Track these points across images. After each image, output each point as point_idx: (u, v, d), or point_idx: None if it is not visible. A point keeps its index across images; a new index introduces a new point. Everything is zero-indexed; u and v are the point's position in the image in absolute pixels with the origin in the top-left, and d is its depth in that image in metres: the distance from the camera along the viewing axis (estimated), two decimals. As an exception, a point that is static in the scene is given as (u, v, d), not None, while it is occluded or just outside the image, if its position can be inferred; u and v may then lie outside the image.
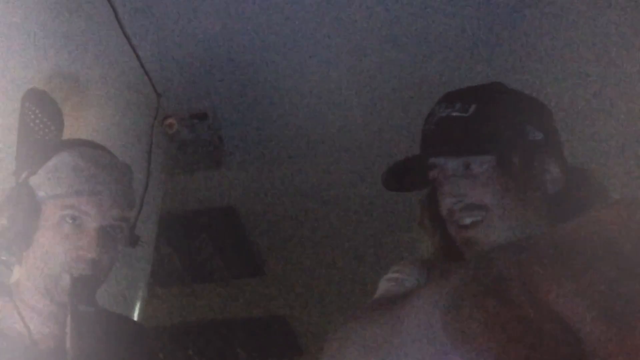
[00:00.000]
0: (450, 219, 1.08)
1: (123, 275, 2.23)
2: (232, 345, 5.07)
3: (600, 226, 0.94)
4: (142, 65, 2.52)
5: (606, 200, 1.08)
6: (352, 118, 2.91)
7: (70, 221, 1.16)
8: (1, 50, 2.34)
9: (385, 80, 2.66)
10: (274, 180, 3.32)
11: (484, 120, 1.06)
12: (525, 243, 0.97)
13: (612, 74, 2.61)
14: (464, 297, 0.91)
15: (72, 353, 1.07)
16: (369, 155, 3.00)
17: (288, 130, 2.97)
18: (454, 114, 1.08)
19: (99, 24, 2.32)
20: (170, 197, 2.88)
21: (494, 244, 1.03)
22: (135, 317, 2.42)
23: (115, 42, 2.39)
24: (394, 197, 1.20)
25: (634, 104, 2.74)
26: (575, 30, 2.42)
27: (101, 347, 1.14)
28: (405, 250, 1.24)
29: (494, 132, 1.06)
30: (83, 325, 1.10)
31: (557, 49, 2.51)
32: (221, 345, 5.02)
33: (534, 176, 1.06)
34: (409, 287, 1.14)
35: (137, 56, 2.47)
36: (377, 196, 3.21)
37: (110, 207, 1.18)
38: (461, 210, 1.06)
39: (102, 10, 2.28)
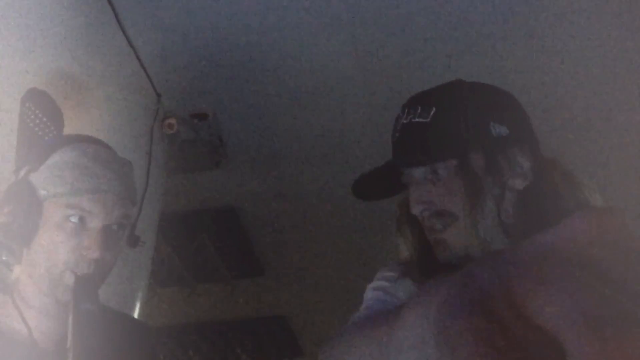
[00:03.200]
0: (422, 223, 1.09)
1: (123, 275, 2.23)
2: (232, 345, 5.06)
3: (574, 235, 0.95)
4: (142, 65, 2.51)
5: (575, 188, 1.06)
6: (353, 118, 2.91)
7: (74, 221, 1.13)
8: (1, 50, 2.34)
9: (387, 81, 2.66)
10: (274, 180, 3.32)
11: (443, 125, 1.05)
12: (503, 256, 0.97)
13: (612, 73, 2.62)
14: (451, 313, 0.92)
15: (73, 353, 1.05)
16: (369, 155, 2.99)
17: (288, 131, 2.97)
18: (415, 119, 1.07)
19: (99, 24, 2.32)
20: (170, 197, 2.87)
21: (464, 245, 1.04)
22: (135, 317, 2.42)
23: (115, 42, 2.39)
24: (395, 197, 1.19)
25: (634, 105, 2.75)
26: (576, 29, 2.43)
27: (103, 346, 1.13)
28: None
29: (455, 136, 1.05)
30: (85, 324, 1.08)
31: (557, 47, 2.51)
32: (221, 345, 5.02)
33: (501, 173, 1.05)
34: (395, 294, 1.15)
35: (137, 56, 2.47)
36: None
37: (114, 206, 1.16)
38: (430, 217, 1.06)
39: (102, 10, 2.27)
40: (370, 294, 1.19)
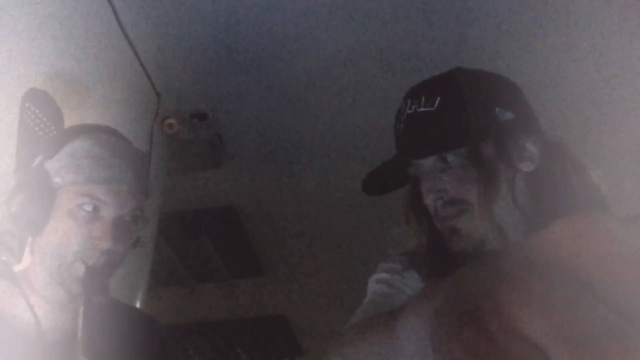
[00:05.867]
0: (435, 213, 1.06)
1: (123, 275, 2.22)
2: (232, 345, 5.07)
3: (558, 242, 0.94)
4: (142, 65, 2.52)
5: (583, 173, 1.04)
6: (352, 118, 2.91)
7: (88, 209, 1.13)
8: (1, 50, 2.34)
9: (387, 81, 2.66)
10: (274, 180, 3.32)
11: (451, 112, 1.03)
12: (491, 263, 0.96)
13: (612, 70, 2.62)
14: (442, 323, 0.92)
15: (83, 344, 1.04)
16: (368, 155, 3.00)
17: (288, 130, 2.97)
18: (420, 109, 1.05)
19: (99, 24, 2.32)
20: (170, 197, 2.88)
21: (480, 233, 1.02)
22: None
23: (115, 42, 2.39)
24: (394, 195, 1.18)
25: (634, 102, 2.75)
26: (576, 27, 2.43)
27: (113, 338, 1.11)
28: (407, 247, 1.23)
29: (463, 124, 1.02)
30: (95, 316, 1.08)
31: (557, 44, 2.51)
32: (221, 345, 5.02)
33: (511, 158, 1.03)
34: (399, 287, 1.14)
35: (137, 56, 2.47)
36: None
37: (127, 197, 1.16)
38: (444, 206, 1.04)
39: (102, 10, 2.28)
40: (373, 287, 1.17)
